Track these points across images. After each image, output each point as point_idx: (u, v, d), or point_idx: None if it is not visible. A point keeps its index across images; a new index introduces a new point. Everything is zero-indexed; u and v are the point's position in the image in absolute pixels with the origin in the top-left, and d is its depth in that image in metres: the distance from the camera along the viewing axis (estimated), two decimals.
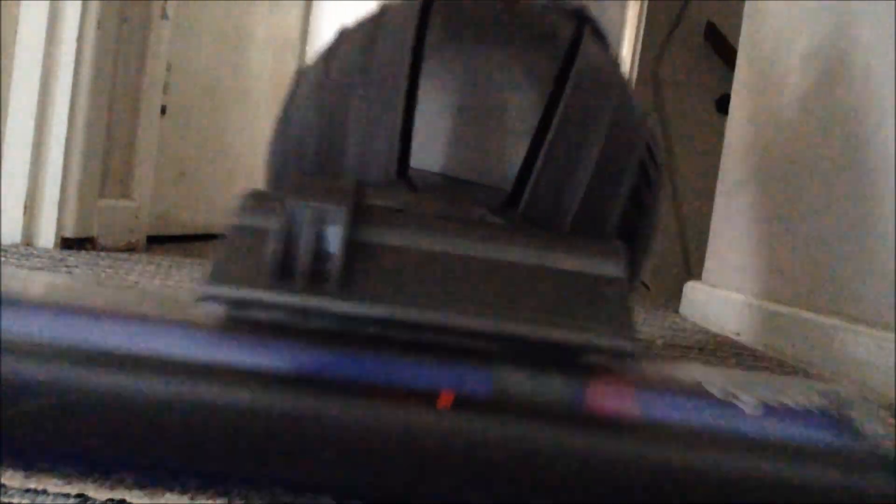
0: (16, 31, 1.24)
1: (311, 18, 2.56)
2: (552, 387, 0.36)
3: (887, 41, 0.97)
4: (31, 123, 1.24)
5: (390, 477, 0.35)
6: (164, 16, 1.46)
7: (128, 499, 0.34)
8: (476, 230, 0.41)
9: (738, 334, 1.24)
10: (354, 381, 0.35)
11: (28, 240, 1.25)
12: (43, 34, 1.24)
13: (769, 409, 0.36)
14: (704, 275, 1.55)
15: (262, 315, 0.38)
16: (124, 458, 0.36)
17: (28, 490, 0.34)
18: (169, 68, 1.57)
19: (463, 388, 0.35)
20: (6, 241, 1.24)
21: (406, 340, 0.37)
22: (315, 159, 0.58)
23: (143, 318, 0.38)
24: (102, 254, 1.29)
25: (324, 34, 2.67)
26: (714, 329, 1.34)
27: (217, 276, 0.38)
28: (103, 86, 1.31)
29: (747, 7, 1.54)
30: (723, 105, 2.46)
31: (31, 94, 1.24)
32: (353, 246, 0.38)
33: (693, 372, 0.42)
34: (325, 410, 0.34)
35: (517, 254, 0.39)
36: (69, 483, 0.35)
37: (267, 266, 0.38)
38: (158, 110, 1.50)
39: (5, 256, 1.08)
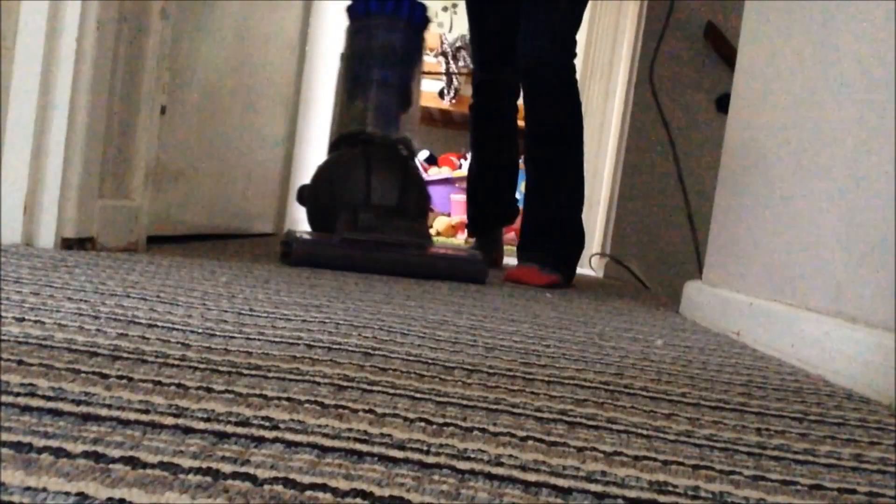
0: (16, 31, 1.24)
1: (311, 18, 2.56)
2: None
3: (881, 42, 0.97)
4: (31, 123, 1.24)
5: (385, 270, 1.65)
6: (164, 16, 1.46)
7: (128, 498, 0.34)
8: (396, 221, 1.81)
9: (737, 334, 1.24)
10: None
11: (28, 240, 1.25)
12: (43, 34, 1.24)
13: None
14: (704, 274, 1.55)
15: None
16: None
17: (28, 488, 0.34)
18: (169, 68, 1.57)
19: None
20: (6, 241, 1.24)
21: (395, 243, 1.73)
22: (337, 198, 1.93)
23: None
24: (102, 254, 1.29)
25: (324, 34, 2.67)
26: (714, 329, 1.34)
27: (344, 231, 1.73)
28: (103, 86, 1.31)
29: (747, 7, 1.54)
30: (723, 105, 2.46)
31: (31, 94, 1.24)
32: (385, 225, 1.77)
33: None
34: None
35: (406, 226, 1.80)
36: (69, 482, 0.35)
37: (349, 228, 1.71)
38: (158, 110, 1.50)
39: (5, 256, 1.08)
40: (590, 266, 3.09)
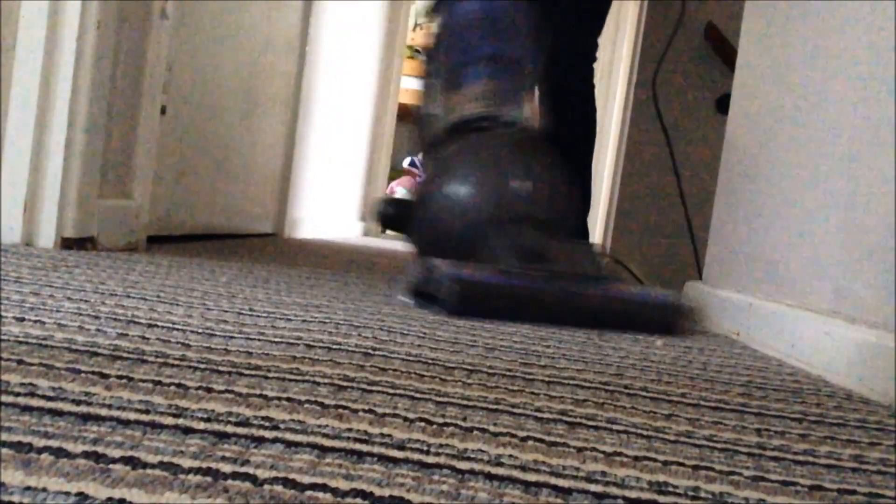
0: (16, 31, 1.24)
1: (312, 18, 2.56)
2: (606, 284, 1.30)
3: (881, 42, 0.97)
4: (32, 123, 1.24)
5: (564, 317, 1.16)
6: (164, 16, 1.46)
7: (128, 498, 0.34)
8: (567, 242, 1.41)
9: (737, 334, 1.24)
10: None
11: (28, 240, 1.25)
12: (43, 34, 1.24)
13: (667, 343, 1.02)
14: (704, 275, 1.55)
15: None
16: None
17: (28, 488, 0.34)
18: (169, 68, 1.57)
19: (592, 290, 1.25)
20: (6, 241, 1.24)
21: (561, 274, 1.26)
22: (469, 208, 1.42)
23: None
24: (102, 254, 1.29)
25: (324, 34, 2.67)
26: (714, 329, 1.34)
27: (509, 259, 1.25)
28: (103, 86, 1.31)
29: (747, 7, 1.54)
30: (723, 105, 2.46)
31: (31, 94, 1.24)
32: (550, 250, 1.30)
33: None
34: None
35: (576, 250, 1.37)
36: (69, 482, 0.35)
37: (521, 257, 1.25)
38: (158, 110, 1.50)
39: (5, 256, 1.08)
40: None
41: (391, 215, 1.55)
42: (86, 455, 0.39)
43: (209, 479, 0.38)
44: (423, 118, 1.64)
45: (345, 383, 0.60)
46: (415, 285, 1.20)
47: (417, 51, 4.66)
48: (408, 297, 1.20)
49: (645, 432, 0.57)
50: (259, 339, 0.73)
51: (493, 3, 1.55)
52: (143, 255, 1.37)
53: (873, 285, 0.93)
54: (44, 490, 0.34)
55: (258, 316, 0.87)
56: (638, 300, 1.24)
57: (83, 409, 0.46)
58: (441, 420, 0.53)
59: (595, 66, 1.92)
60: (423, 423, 0.52)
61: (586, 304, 1.18)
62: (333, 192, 3.23)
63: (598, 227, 3.20)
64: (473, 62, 1.51)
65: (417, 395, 0.60)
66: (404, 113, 4.46)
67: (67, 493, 0.34)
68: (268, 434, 0.45)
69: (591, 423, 0.58)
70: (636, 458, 0.50)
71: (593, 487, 0.44)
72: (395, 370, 0.68)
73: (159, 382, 0.54)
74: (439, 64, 1.58)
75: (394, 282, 1.42)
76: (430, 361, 0.74)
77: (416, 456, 0.45)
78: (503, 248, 1.24)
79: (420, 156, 4.78)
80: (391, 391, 0.60)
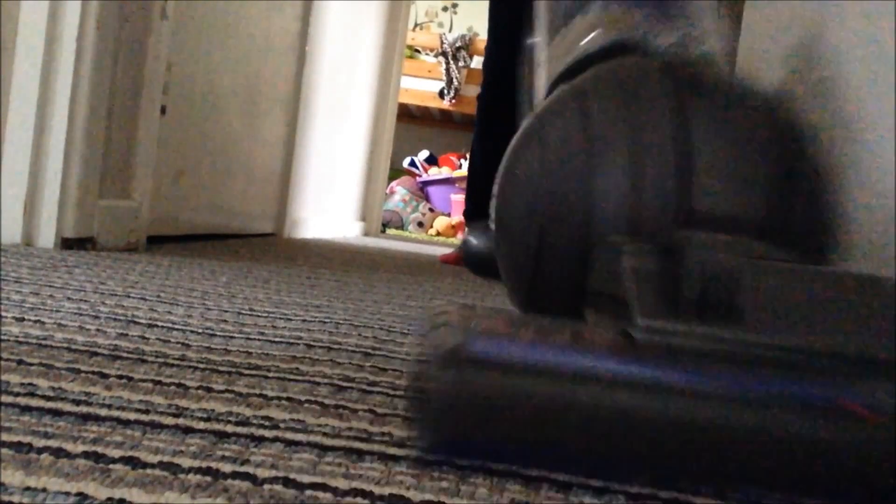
0: (16, 31, 1.24)
1: (311, 18, 2.56)
2: None
3: (877, 45, 0.97)
4: (32, 123, 1.24)
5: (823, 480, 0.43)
6: (164, 16, 1.46)
7: (128, 498, 0.34)
8: (813, 273, 0.53)
9: None
10: (776, 398, 0.43)
11: (28, 240, 1.26)
12: (43, 34, 1.24)
13: None
14: None
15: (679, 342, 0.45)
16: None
17: (28, 488, 0.34)
18: (169, 68, 1.58)
19: (869, 402, 0.43)
20: (6, 241, 1.24)
21: (796, 363, 0.45)
22: (560, 209, 0.68)
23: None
24: (102, 254, 1.29)
25: (324, 34, 2.67)
26: None
27: (647, 313, 0.46)
28: (103, 86, 1.31)
29: (747, 7, 1.54)
30: None
31: (31, 94, 1.24)
32: (750, 291, 0.47)
33: None
34: (763, 423, 0.43)
35: (844, 292, 0.50)
36: (69, 482, 0.35)
37: (688, 306, 0.47)
38: (158, 110, 1.50)
39: (5, 256, 1.08)
40: None
41: (477, 249, 1.05)
42: (86, 455, 0.39)
43: (209, 478, 0.38)
44: (519, 102, 1.11)
45: (345, 383, 0.60)
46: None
47: (417, 50, 4.67)
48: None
49: None
50: (259, 339, 0.73)
51: None
52: (143, 255, 1.37)
53: None
54: (44, 490, 0.34)
55: (258, 316, 0.87)
56: None
57: (83, 409, 0.46)
58: None
59: None
60: None
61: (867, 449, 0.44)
62: (333, 192, 3.23)
63: None
64: None
65: None
66: (404, 113, 4.47)
67: (67, 493, 0.34)
68: (268, 434, 0.46)
69: None
70: None
71: (594, 483, 0.44)
72: (395, 370, 0.68)
73: (159, 382, 0.54)
74: (543, 19, 0.99)
75: (399, 295, 1.22)
76: None
77: (416, 454, 0.45)
78: (633, 282, 0.50)
79: (425, 155, 4.78)
80: (391, 391, 0.60)
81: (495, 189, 0.75)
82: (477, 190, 2.05)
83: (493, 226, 0.77)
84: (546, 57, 0.94)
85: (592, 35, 0.84)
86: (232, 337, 0.73)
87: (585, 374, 0.43)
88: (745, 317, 0.46)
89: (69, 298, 0.82)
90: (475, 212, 2.17)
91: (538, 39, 0.99)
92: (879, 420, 0.42)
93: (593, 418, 0.43)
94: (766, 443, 0.43)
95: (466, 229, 1.25)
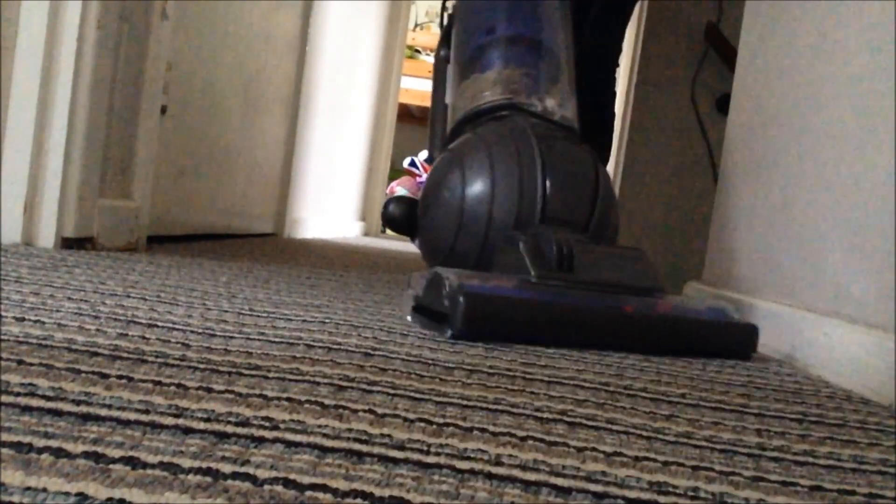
0: (16, 31, 1.24)
1: (311, 18, 2.56)
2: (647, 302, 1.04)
3: (881, 40, 0.97)
4: (32, 123, 1.24)
5: (601, 339, 0.97)
6: (164, 16, 1.46)
7: (128, 498, 0.34)
8: (598, 247, 1.14)
9: None
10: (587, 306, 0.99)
11: (28, 240, 1.25)
12: (43, 34, 1.24)
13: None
14: (704, 275, 1.55)
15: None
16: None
17: (28, 488, 0.34)
18: (169, 68, 1.57)
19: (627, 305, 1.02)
20: (6, 241, 1.24)
21: (599, 288, 1.02)
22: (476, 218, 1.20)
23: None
24: (102, 254, 1.29)
25: (324, 34, 2.67)
26: None
27: (536, 269, 1.01)
28: (103, 86, 1.31)
29: (747, 7, 1.54)
30: (723, 105, 2.46)
31: (31, 94, 1.24)
32: (576, 256, 1.03)
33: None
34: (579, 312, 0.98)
35: (616, 254, 1.12)
36: (69, 482, 0.35)
37: (554, 264, 1.01)
38: (158, 110, 1.50)
39: (5, 256, 1.08)
40: None
41: (395, 216, 1.40)
42: (86, 455, 0.39)
43: (209, 479, 0.38)
44: (436, 113, 1.45)
45: (345, 383, 0.60)
46: (418, 300, 0.99)
47: (418, 50, 4.67)
48: (411, 315, 1.00)
49: (645, 432, 0.57)
50: (259, 339, 0.73)
51: None
52: (143, 255, 1.37)
53: (873, 285, 0.93)
54: (44, 490, 0.34)
55: (258, 316, 0.87)
56: (706, 322, 1.03)
57: (83, 409, 0.46)
58: (441, 420, 0.53)
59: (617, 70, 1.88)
60: (423, 423, 0.52)
61: (635, 325, 0.98)
62: (333, 192, 3.23)
63: None
64: (493, 45, 1.30)
65: (417, 396, 0.60)
66: (404, 113, 4.47)
67: (67, 493, 0.34)
68: (268, 434, 0.45)
69: (590, 423, 0.58)
70: (636, 459, 0.50)
71: (593, 487, 0.44)
72: (395, 370, 0.68)
73: (159, 382, 0.54)
74: (455, 47, 1.37)
75: (400, 296, 1.24)
76: (430, 361, 0.74)
77: (416, 456, 0.45)
78: (527, 253, 1.01)
79: (425, 155, 4.78)
80: (391, 391, 0.60)
81: (420, 198, 1.30)
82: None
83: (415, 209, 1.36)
84: (454, 99, 1.36)
85: (490, 91, 1.28)
86: (232, 337, 0.73)
87: (523, 296, 0.97)
88: (575, 268, 1.01)
89: (69, 298, 0.82)
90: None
91: (451, 69, 1.40)
92: (633, 314, 1.01)
93: (529, 315, 0.95)
94: (587, 322, 0.97)
95: (389, 198, 1.60)
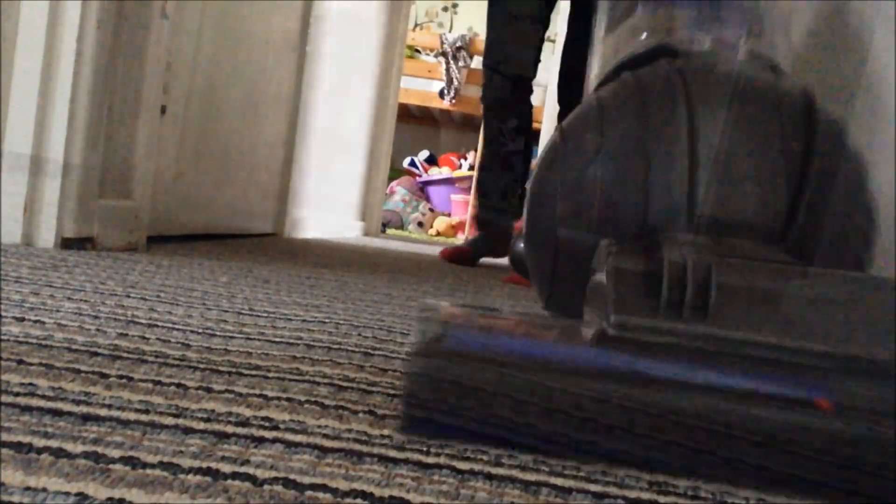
0: (16, 31, 1.24)
1: (312, 18, 2.56)
2: (888, 394, 0.46)
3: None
4: (31, 123, 1.24)
5: (785, 465, 0.46)
6: (164, 16, 1.46)
7: (128, 498, 0.34)
8: (791, 272, 0.54)
9: None
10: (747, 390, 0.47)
11: (28, 240, 1.25)
12: (43, 34, 1.24)
13: None
14: None
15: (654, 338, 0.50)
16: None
17: (28, 489, 0.34)
18: (169, 68, 1.57)
19: (825, 396, 0.46)
20: (6, 241, 1.24)
21: (766, 358, 0.49)
22: (604, 212, 0.70)
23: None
24: (102, 254, 1.29)
25: (324, 34, 2.67)
26: None
27: (621, 309, 0.51)
28: (103, 86, 1.31)
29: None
30: None
31: (31, 93, 1.24)
32: (720, 288, 0.51)
33: None
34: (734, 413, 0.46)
35: (826, 290, 0.52)
36: (69, 482, 0.35)
37: (663, 303, 0.51)
38: (158, 110, 1.50)
39: (5, 256, 1.08)
40: None
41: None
42: (86, 455, 0.39)
43: (209, 479, 0.38)
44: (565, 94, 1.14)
45: (345, 383, 0.60)
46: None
47: (417, 51, 4.67)
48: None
49: None
50: (259, 339, 0.73)
51: None
52: (143, 255, 1.37)
53: None
54: (44, 490, 0.34)
55: (258, 316, 0.87)
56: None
57: (83, 409, 0.46)
58: None
59: None
60: None
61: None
62: (333, 192, 3.23)
63: None
64: None
65: None
66: (404, 113, 4.47)
67: (67, 493, 0.34)
68: (268, 434, 0.46)
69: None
70: None
71: (593, 487, 0.44)
72: (395, 371, 0.68)
73: (159, 382, 0.54)
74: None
75: (400, 296, 1.25)
76: None
77: (416, 456, 0.45)
78: (612, 279, 0.54)
79: (425, 155, 4.78)
80: (391, 392, 0.60)
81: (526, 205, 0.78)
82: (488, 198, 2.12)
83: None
84: (598, 56, 0.98)
85: (638, 39, 0.89)
86: (232, 337, 0.73)
87: (543, 366, 0.48)
88: (710, 311, 0.50)
89: (69, 298, 0.82)
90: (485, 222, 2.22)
91: (597, 36, 1.01)
92: (838, 411, 0.46)
93: (548, 404, 0.47)
94: (716, 430, 0.46)
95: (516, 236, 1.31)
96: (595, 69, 0.96)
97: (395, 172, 4.38)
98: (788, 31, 0.91)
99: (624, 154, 0.70)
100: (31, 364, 0.54)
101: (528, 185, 0.79)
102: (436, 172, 4.62)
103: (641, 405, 0.46)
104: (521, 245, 1.10)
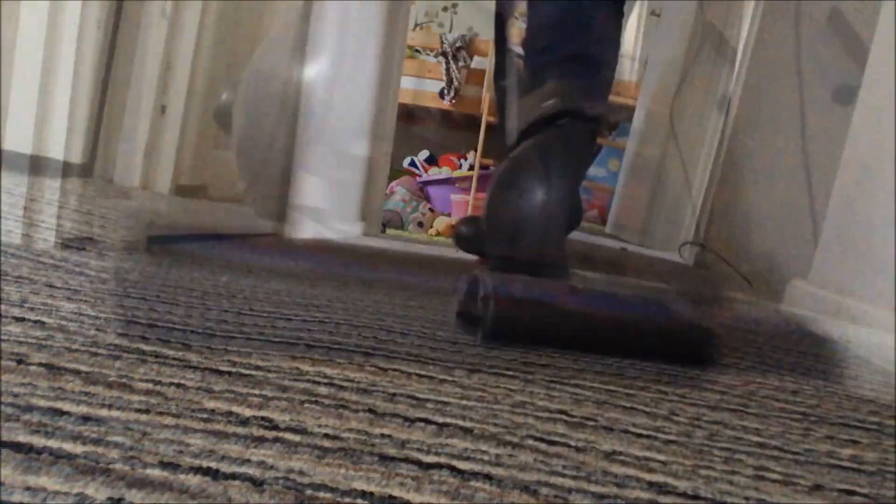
0: (16, 31, 1.24)
1: (312, 18, 2.56)
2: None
3: None
4: (31, 123, 1.24)
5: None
6: (163, 16, 1.46)
7: (127, 498, 0.34)
8: None
9: None
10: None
11: (28, 240, 1.25)
12: (43, 34, 1.24)
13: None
14: (811, 274, 1.46)
15: None
16: None
17: (28, 488, 0.34)
18: (169, 68, 1.57)
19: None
20: (6, 241, 1.24)
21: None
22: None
23: None
24: (102, 253, 1.29)
25: (324, 34, 2.67)
26: None
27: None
28: (103, 86, 1.31)
29: None
30: (841, 96, 2.26)
31: (31, 93, 1.24)
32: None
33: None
34: None
35: None
36: (69, 482, 0.35)
37: None
38: (159, 110, 1.50)
39: (5, 256, 1.08)
40: (680, 255, 2.89)
41: (467, 236, 1.37)
42: (86, 455, 0.39)
43: (209, 479, 0.38)
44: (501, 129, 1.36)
45: (345, 383, 0.60)
46: (460, 304, 0.98)
47: (418, 51, 4.67)
48: (455, 320, 0.97)
49: (645, 432, 0.57)
50: (259, 339, 0.73)
51: (571, 2, 1.33)
52: (143, 255, 1.37)
53: (875, 283, 0.93)
54: (44, 490, 0.34)
55: (258, 316, 0.87)
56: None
57: (83, 409, 0.46)
58: (441, 420, 0.53)
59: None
60: (423, 423, 0.52)
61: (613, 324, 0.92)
62: (333, 192, 3.23)
63: (688, 213, 3.01)
64: (553, 63, 1.30)
65: (417, 395, 0.60)
66: (404, 113, 4.47)
67: (67, 493, 0.34)
68: (268, 434, 0.45)
69: (591, 422, 0.58)
70: (636, 458, 0.50)
71: (593, 487, 0.44)
72: (395, 370, 0.68)
73: (159, 382, 0.54)
74: (520, 69, 1.35)
75: (400, 296, 1.29)
76: (430, 361, 0.74)
77: (416, 456, 0.45)
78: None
79: (425, 155, 4.78)
80: (391, 391, 0.60)
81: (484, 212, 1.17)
82: None
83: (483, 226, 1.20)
84: (516, 109, 1.30)
85: (549, 102, 1.23)
86: (232, 337, 0.73)
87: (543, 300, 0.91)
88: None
89: (69, 298, 0.82)
90: None
91: (510, 89, 1.35)
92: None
93: (556, 321, 0.90)
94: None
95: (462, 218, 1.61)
96: (513, 117, 1.27)
97: (395, 172, 4.38)
98: None
99: (553, 186, 1.10)
100: (31, 364, 0.54)
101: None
102: (436, 172, 4.62)
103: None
104: (463, 228, 1.43)
